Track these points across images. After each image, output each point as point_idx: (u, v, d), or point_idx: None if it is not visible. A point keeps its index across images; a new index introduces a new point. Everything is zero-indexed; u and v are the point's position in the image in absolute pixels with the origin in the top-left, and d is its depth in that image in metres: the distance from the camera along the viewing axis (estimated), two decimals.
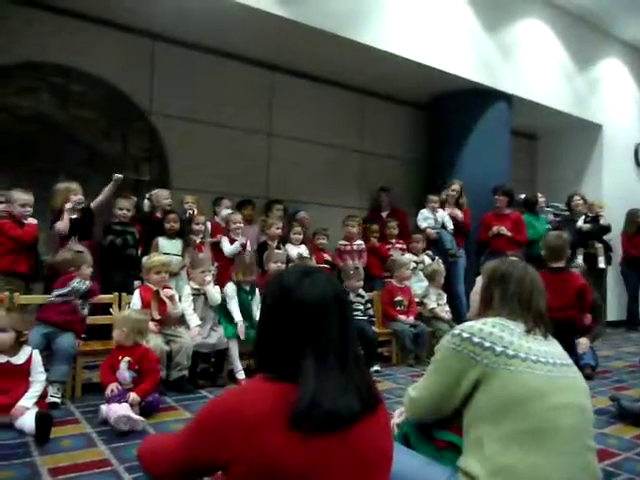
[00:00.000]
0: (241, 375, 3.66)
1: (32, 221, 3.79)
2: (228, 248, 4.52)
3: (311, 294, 1.11)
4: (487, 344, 1.38)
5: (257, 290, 3.92)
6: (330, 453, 1.02)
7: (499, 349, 1.37)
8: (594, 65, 7.90)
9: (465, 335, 1.42)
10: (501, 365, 1.36)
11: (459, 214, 5.94)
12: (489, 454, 1.32)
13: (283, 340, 1.11)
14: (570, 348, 4.63)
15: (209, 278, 3.77)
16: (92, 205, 4.08)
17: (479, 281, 1.66)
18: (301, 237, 5.04)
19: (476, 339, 1.40)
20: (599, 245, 6.49)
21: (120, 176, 4.05)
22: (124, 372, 2.90)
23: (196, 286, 3.75)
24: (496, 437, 1.32)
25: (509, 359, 1.36)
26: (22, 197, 3.70)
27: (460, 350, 1.41)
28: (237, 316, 3.75)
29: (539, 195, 6.69)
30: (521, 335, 1.43)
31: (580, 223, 6.63)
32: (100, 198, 4.10)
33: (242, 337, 3.68)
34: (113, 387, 2.83)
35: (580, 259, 5.32)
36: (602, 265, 6.27)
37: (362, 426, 1.07)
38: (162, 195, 4.64)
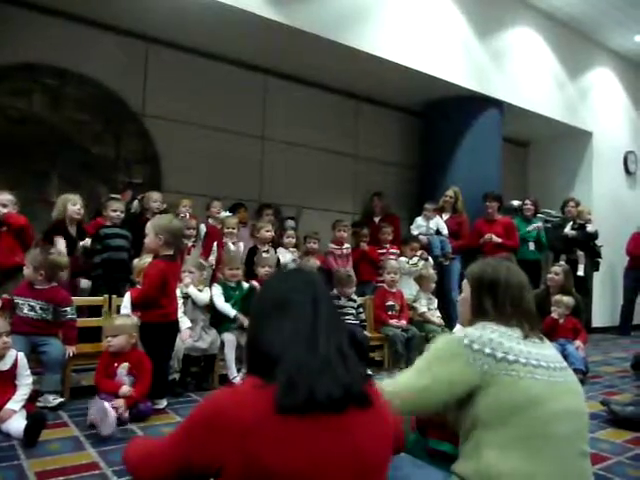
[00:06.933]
0: (237, 380, 3.61)
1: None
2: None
3: (279, 288, 1.17)
4: (488, 350, 1.37)
5: (244, 284, 3.96)
6: (324, 455, 1.00)
7: (500, 355, 1.36)
8: (584, 74, 8.00)
9: (466, 342, 1.40)
10: (502, 371, 1.34)
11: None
12: (486, 460, 1.30)
13: (263, 336, 1.11)
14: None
15: (188, 280, 3.71)
16: None
17: (466, 287, 1.63)
18: (294, 241, 5.02)
19: (476, 346, 1.38)
20: (581, 253, 6.47)
21: None
22: (123, 378, 2.84)
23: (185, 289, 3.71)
24: (494, 443, 1.31)
25: (510, 364, 1.35)
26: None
27: (459, 353, 1.39)
28: (230, 311, 3.77)
29: (527, 202, 6.58)
30: (519, 340, 1.41)
31: (567, 229, 6.62)
32: None
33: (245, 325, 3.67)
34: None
35: (562, 263, 5.36)
36: (580, 273, 6.25)
37: (354, 424, 1.05)
38: (152, 197, 4.61)
